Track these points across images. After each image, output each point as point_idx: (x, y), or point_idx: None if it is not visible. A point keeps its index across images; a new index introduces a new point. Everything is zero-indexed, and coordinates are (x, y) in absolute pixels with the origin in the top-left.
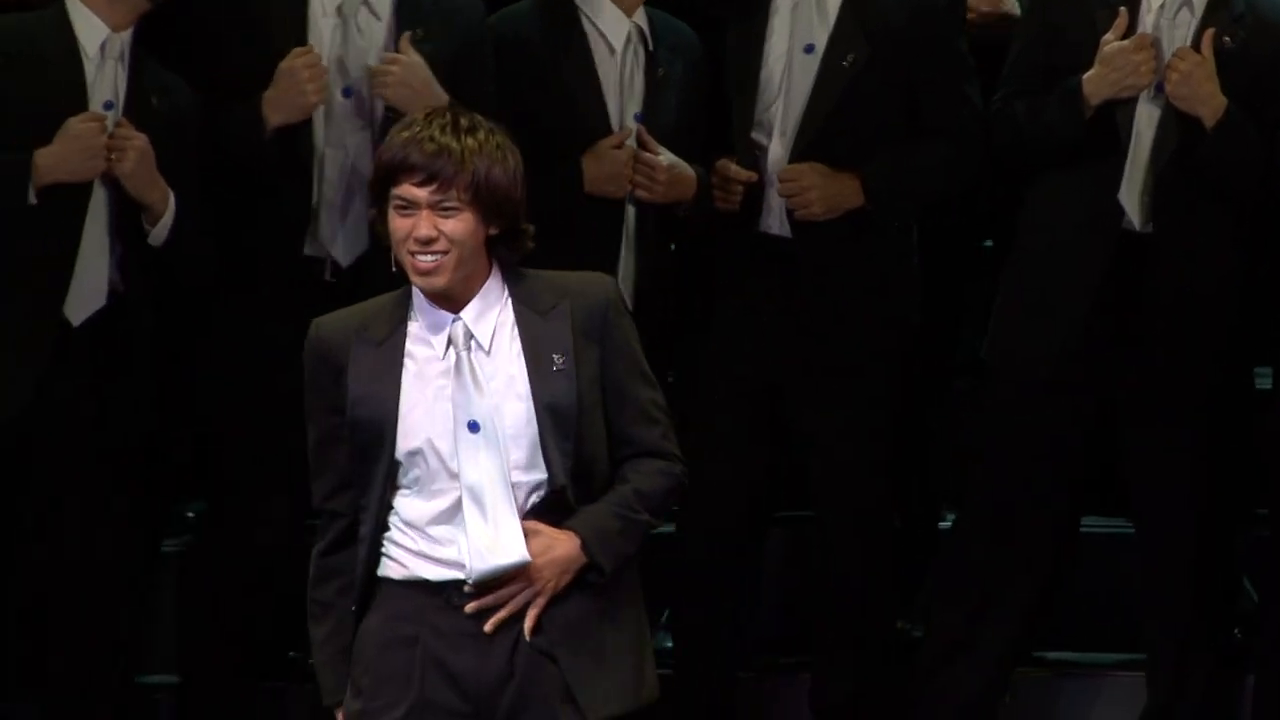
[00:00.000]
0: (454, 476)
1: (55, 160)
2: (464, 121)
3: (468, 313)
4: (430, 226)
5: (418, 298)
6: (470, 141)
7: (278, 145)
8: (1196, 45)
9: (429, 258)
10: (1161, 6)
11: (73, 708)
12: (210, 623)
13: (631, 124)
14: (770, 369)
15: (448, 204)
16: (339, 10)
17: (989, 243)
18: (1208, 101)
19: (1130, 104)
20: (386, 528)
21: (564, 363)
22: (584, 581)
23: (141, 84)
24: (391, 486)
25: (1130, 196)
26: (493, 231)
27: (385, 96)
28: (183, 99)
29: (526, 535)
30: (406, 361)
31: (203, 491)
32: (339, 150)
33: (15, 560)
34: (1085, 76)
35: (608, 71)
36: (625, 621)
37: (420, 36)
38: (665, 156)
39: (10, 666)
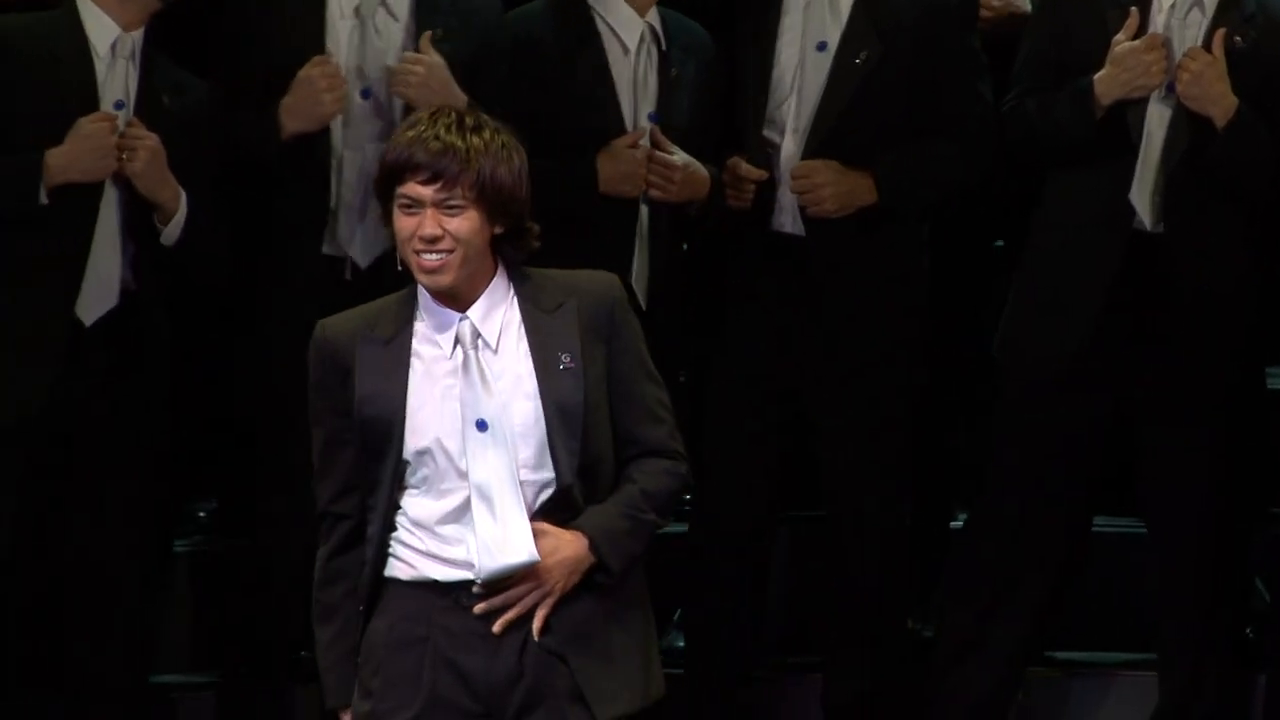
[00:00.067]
0: (462, 476)
1: (66, 160)
2: (469, 120)
3: (474, 311)
4: (435, 225)
5: (423, 297)
6: (475, 140)
7: (294, 148)
8: (1207, 45)
9: (434, 256)
10: (1172, 6)
11: (87, 707)
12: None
13: (646, 123)
14: (785, 367)
15: (453, 202)
16: (356, 11)
17: (1000, 242)
18: (1219, 101)
19: (1141, 104)
20: (394, 528)
21: (571, 361)
22: (592, 582)
23: (152, 83)
24: (399, 486)
25: (1141, 196)
26: (498, 230)
27: (406, 97)
28: (195, 98)
29: (535, 536)
30: (413, 361)
31: (215, 490)
32: (357, 152)
33: (30, 559)
34: (1096, 76)
35: (622, 71)
36: (632, 621)
37: (439, 36)
38: (679, 156)
39: (28, 664)
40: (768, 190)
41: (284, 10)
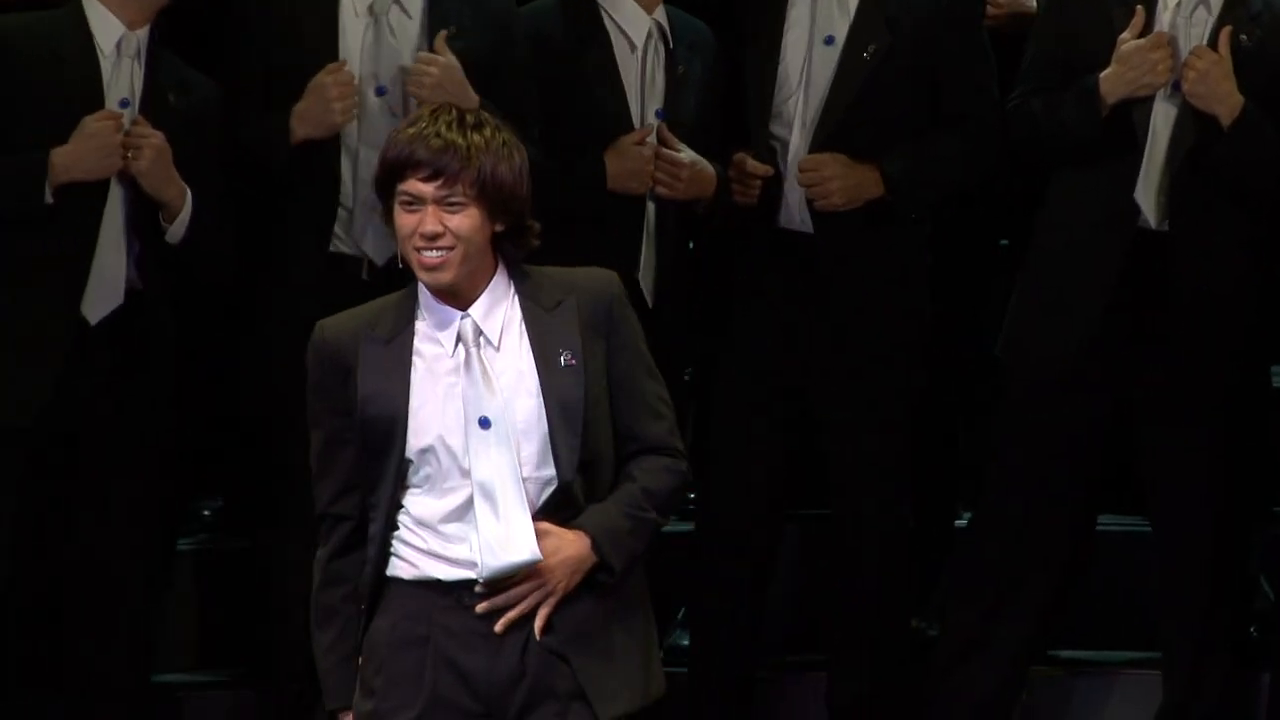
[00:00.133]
0: (465, 474)
1: (71, 159)
2: (470, 118)
3: (476, 309)
4: (436, 222)
5: (424, 296)
6: (476, 138)
7: (301, 147)
8: (1213, 43)
9: (435, 253)
10: (1178, 5)
11: (89, 707)
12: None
13: (653, 120)
14: (791, 364)
15: (453, 199)
16: (370, 9)
17: (1005, 241)
18: (1225, 100)
19: (1147, 102)
20: (396, 527)
21: (572, 359)
22: (593, 581)
23: (158, 81)
24: (401, 485)
25: (1146, 195)
26: (498, 228)
27: (420, 97)
28: (201, 96)
29: (538, 535)
30: (415, 359)
31: (219, 489)
32: (373, 149)
33: (31, 559)
34: (1102, 75)
35: (629, 68)
36: (633, 620)
37: (453, 34)
38: (686, 153)
39: (28, 664)
40: (774, 186)
41: (296, 10)
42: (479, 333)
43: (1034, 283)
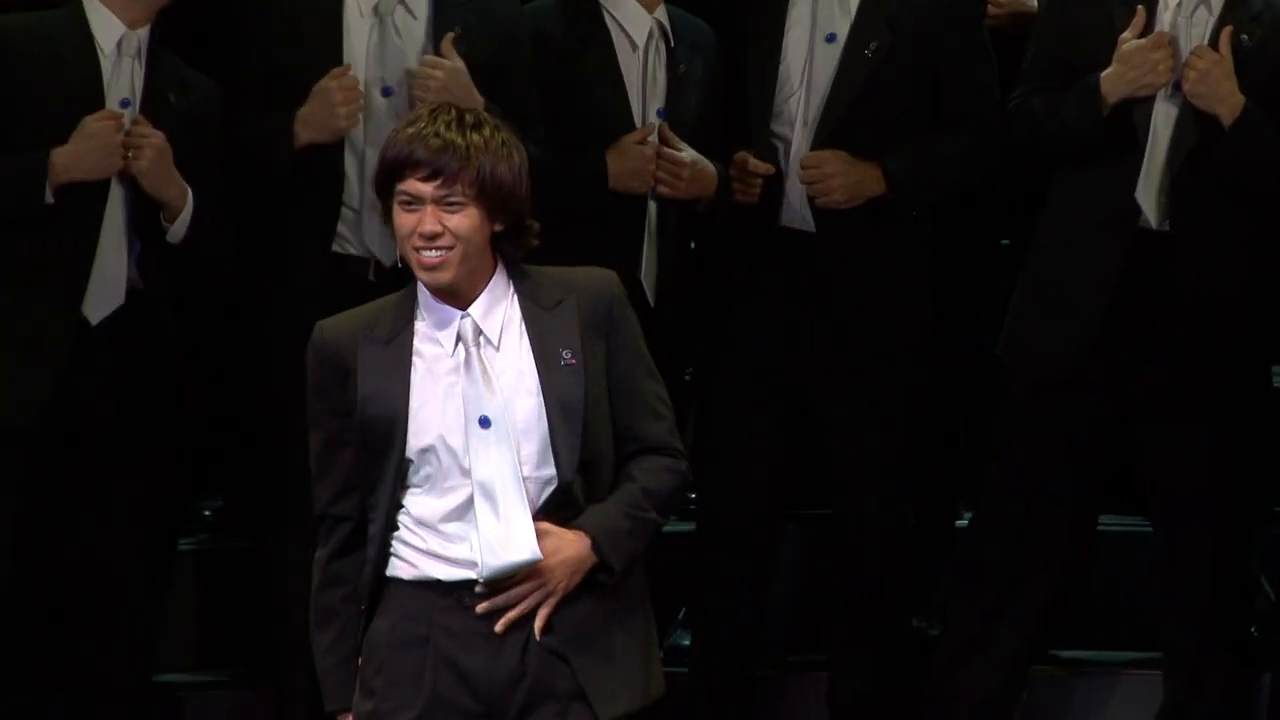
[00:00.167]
0: (465, 474)
1: (72, 159)
2: (469, 118)
3: (476, 309)
4: (435, 222)
5: (423, 296)
6: (475, 137)
7: (306, 151)
8: (1214, 43)
9: (434, 253)
10: (1179, 5)
11: (90, 707)
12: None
13: (654, 119)
14: (792, 362)
15: (452, 199)
16: (375, 10)
17: (1006, 241)
18: (1226, 100)
19: (1148, 102)
20: (396, 527)
21: (572, 358)
22: (593, 581)
23: (158, 81)
24: (401, 485)
25: (1147, 195)
26: (498, 228)
27: (426, 100)
28: (202, 96)
29: (538, 535)
30: (415, 359)
31: (220, 489)
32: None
33: (32, 559)
34: (1103, 75)
35: (630, 67)
36: (633, 620)
37: (458, 35)
38: (688, 153)
39: (28, 664)
40: (775, 185)
41: (299, 10)
42: (479, 332)
43: (1035, 282)
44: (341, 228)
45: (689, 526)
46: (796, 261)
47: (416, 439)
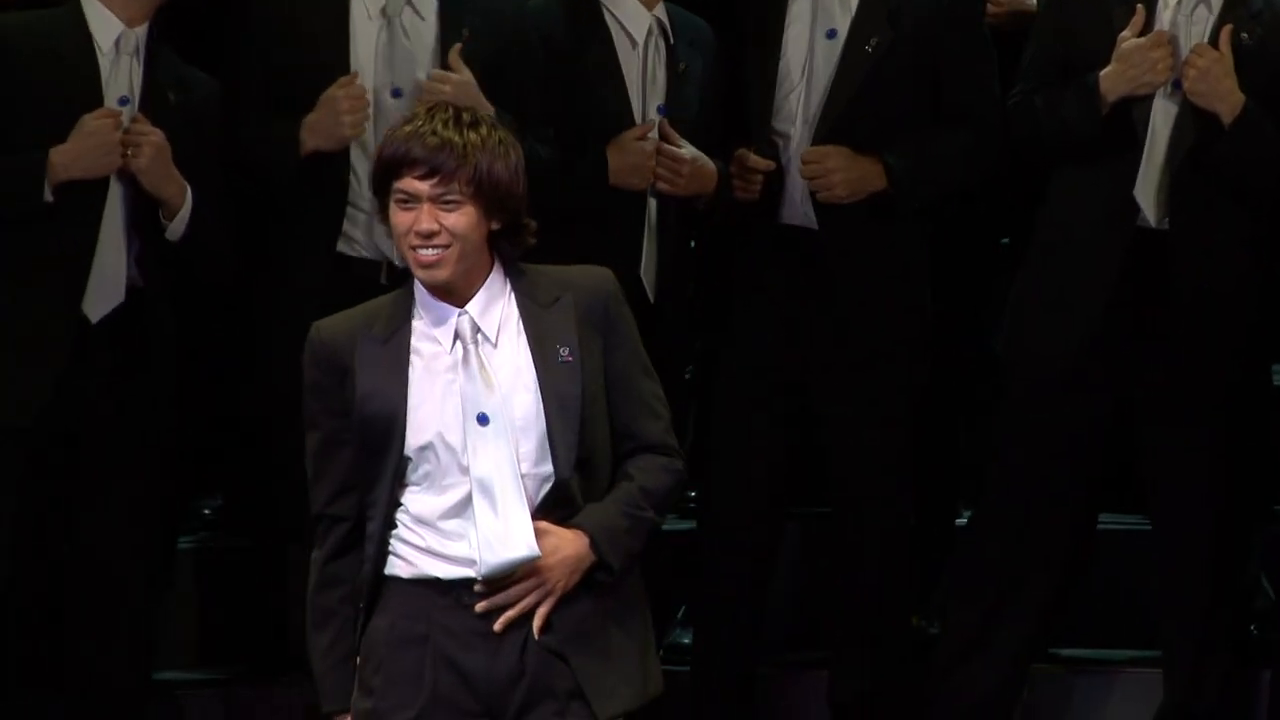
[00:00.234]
0: (464, 471)
1: (70, 157)
2: (466, 116)
3: (473, 306)
4: (432, 220)
5: (420, 294)
6: (473, 136)
7: (312, 156)
8: (1214, 41)
9: (431, 251)
10: (1179, 3)
11: (89, 706)
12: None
13: (655, 116)
14: (792, 359)
15: (449, 198)
16: (383, 12)
17: (1006, 239)
18: (1226, 98)
19: (1147, 101)
20: (394, 526)
21: (570, 355)
22: (591, 580)
23: (157, 79)
24: (400, 484)
25: (1146, 193)
26: (495, 226)
27: None
28: (201, 93)
29: (537, 534)
30: (413, 358)
31: (220, 487)
32: None
33: (31, 558)
34: (1102, 73)
35: (630, 64)
36: (631, 619)
37: (466, 37)
38: (687, 149)
39: (28, 664)
40: (775, 182)
41: (305, 14)
42: (476, 329)
43: (1034, 280)
44: (352, 230)
45: (689, 525)
46: (797, 258)
47: (415, 436)
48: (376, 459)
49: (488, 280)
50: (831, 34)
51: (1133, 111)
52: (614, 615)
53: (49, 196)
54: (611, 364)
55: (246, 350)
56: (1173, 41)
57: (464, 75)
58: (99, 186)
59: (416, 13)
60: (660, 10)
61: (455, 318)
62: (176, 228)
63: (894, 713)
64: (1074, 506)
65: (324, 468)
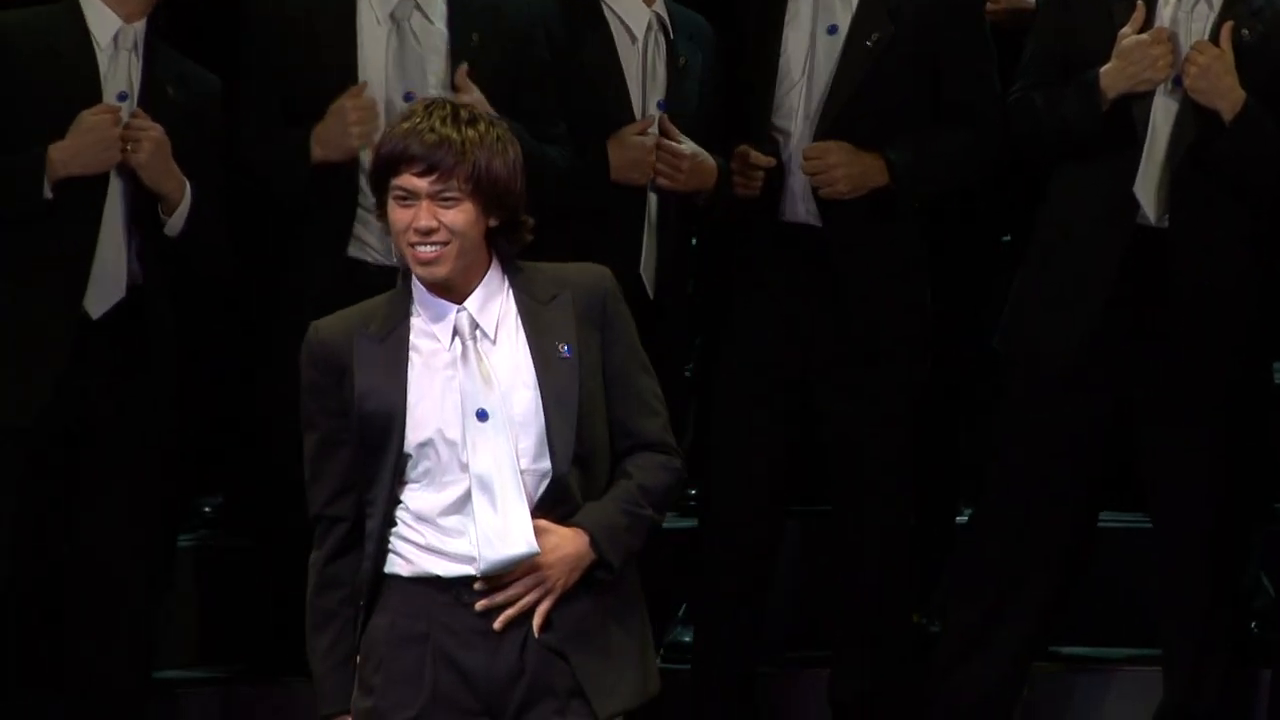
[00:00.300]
0: (464, 468)
1: (69, 154)
2: (464, 113)
3: (471, 303)
4: (430, 217)
5: (418, 292)
6: (471, 133)
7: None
8: (1214, 38)
9: (429, 248)
10: (1179, 0)
11: (91, 706)
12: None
13: (655, 112)
14: (792, 356)
15: (448, 194)
16: (392, 16)
17: (1007, 237)
18: (1226, 95)
19: (1147, 98)
20: (394, 524)
21: (568, 352)
22: (590, 578)
23: (156, 74)
24: (399, 481)
25: (1146, 190)
26: (493, 223)
27: None
28: (199, 89)
29: (536, 532)
30: (412, 355)
31: (220, 486)
32: None
33: (31, 558)
34: (1102, 70)
35: (630, 60)
36: (630, 618)
37: (476, 43)
38: (687, 145)
39: (28, 664)
40: (776, 178)
41: (313, 19)
42: (475, 326)
43: (1034, 278)
44: (367, 235)
45: (689, 523)
46: (798, 255)
47: (415, 433)
48: (376, 457)
49: (485, 277)
50: (832, 30)
51: (1133, 108)
52: (614, 613)
53: (49, 193)
54: (609, 361)
55: (251, 352)
56: (1173, 38)
57: (473, 95)
58: (99, 183)
59: (426, 17)
60: (659, 5)
61: (454, 314)
62: (176, 223)
63: (894, 711)
64: (1074, 505)
65: (322, 468)
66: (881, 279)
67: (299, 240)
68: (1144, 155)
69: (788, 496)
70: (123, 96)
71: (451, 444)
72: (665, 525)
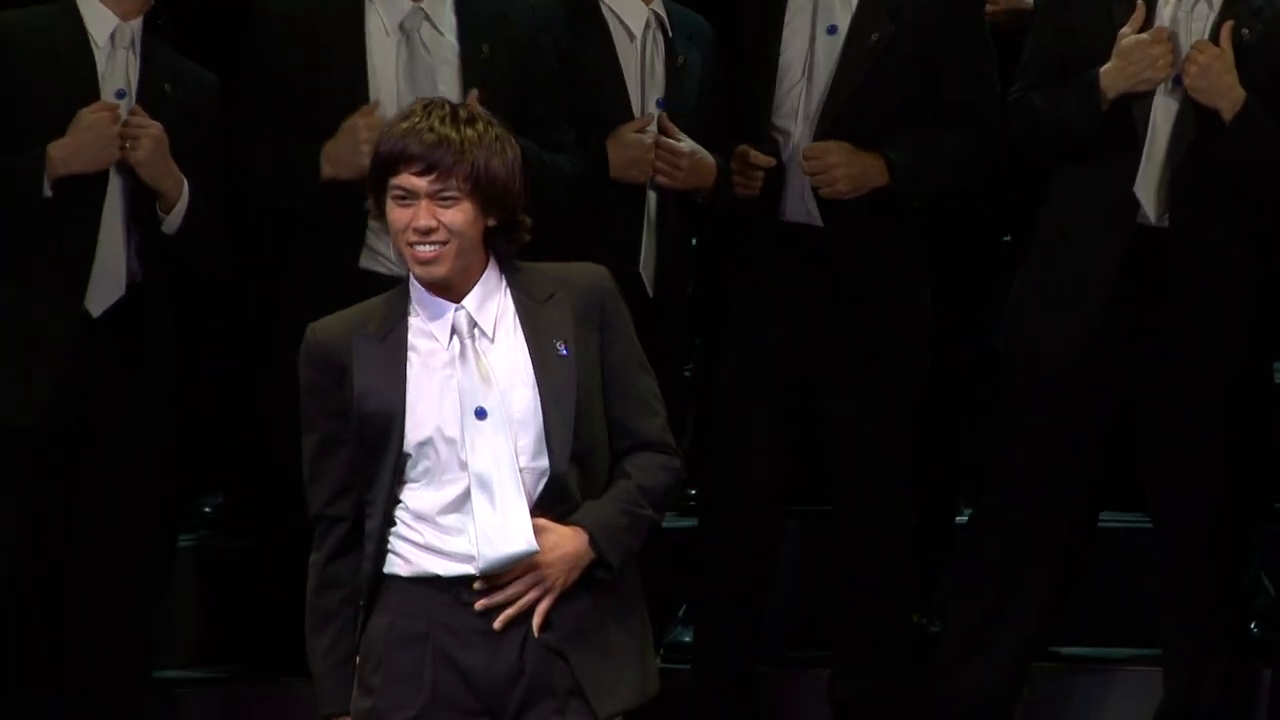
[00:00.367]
0: (464, 466)
1: (69, 152)
2: (463, 113)
3: (469, 301)
4: (430, 216)
5: (416, 291)
6: (469, 132)
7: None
8: (1214, 38)
9: (428, 248)
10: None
11: (91, 705)
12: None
13: (653, 110)
14: (792, 356)
15: (447, 194)
16: (401, 27)
17: (1008, 238)
18: (1227, 94)
19: (1147, 97)
20: (393, 523)
21: (566, 350)
22: (590, 578)
23: (153, 72)
24: (399, 481)
25: (1146, 190)
26: (491, 223)
27: None
28: (196, 86)
29: (536, 531)
30: (410, 355)
31: (220, 485)
32: None
33: (31, 558)
34: (1102, 69)
35: (628, 58)
36: (630, 617)
37: (486, 54)
38: (686, 143)
39: (28, 664)
40: (776, 178)
41: (321, 31)
42: (473, 324)
43: (1034, 278)
44: (380, 245)
45: (689, 522)
46: (798, 255)
47: (414, 432)
48: (376, 456)
49: (483, 276)
50: (832, 30)
51: (1133, 108)
52: (613, 613)
53: (49, 192)
54: (608, 360)
55: (251, 352)
56: (1173, 38)
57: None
58: (98, 181)
59: (435, 28)
60: (657, 4)
61: (452, 313)
62: (173, 220)
63: (894, 711)
64: (1074, 505)
65: (321, 469)
66: (882, 279)
67: (308, 252)
68: (1144, 155)
69: (788, 496)
70: (120, 94)
71: (451, 442)
72: (665, 525)
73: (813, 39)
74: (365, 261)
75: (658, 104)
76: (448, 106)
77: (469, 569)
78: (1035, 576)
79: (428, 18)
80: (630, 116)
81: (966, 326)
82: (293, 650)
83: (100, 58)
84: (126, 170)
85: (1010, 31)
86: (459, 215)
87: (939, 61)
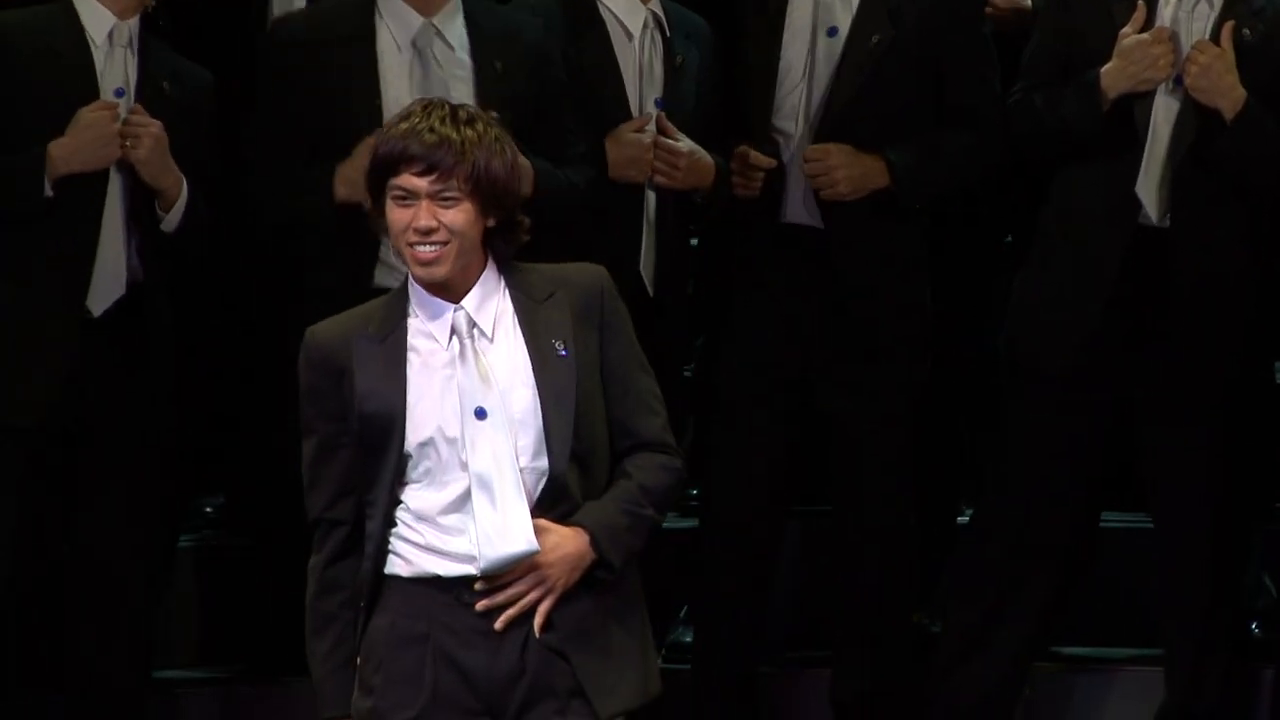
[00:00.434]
0: (464, 466)
1: (69, 151)
2: (462, 113)
3: (469, 301)
4: (430, 217)
5: (415, 293)
6: (469, 133)
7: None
8: (1215, 38)
9: (429, 248)
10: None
11: (91, 705)
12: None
13: (652, 109)
14: (792, 356)
15: (447, 194)
16: (413, 44)
17: (1009, 238)
18: (1227, 94)
19: (1148, 97)
20: (394, 524)
21: (565, 350)
22: (591, 578)
23: (151, 71)
24: (400, 481)
25: (1147, 190)
26: (490, 223)
27: None
28: (194, 85)
29: (537, 532)
30: (410, 355)
31: (220, 486)
32: None
33: (31, 558)
34: (1103, 69)
35: (627, 58)
36: (631, 618)
37: (499, 71)
38: (685, 143)
39: (28, 664)
40: (776, 180)
41: (333, 49)
42: (473, 325)
43: (1035, 279)
44: (397, 261)
45: (690, 523)
46: (798, 256)
47: (415, 433)
48: (377, 457)
49: (482, 277)
50: (833, 32)
51: (1134, 108)
52: (614, 613)
53: (49, 191)
54: (607, 360)
55: (251, 352)
56: (1174, 38)
57: None
58: (99, 180)
59: (447, 43)
60: (655, 4)
61: (451, 313)
62: (173, 219)
63: (895, 712)
64: (1075, 506)
65: (320, 473)
66: (882, 279)
67: (323, 281)
68: (1145, 155)
69: (788, 496)
70: (119, 93)
71: (451, 442)
72: (665, 525)
73: (813, 40)
74: (380, 278)
75: (656, 104)
76: (447, 107)
77: (470, 569)
78: (1035, 577)
79: (439, 34)
80: (628, 116)
81: (967, 327)
82: (293, 650)
83: (99, 56)
84: (127, 169)
85: (1011, 33)
86: (459, 215)
87: (940, 64)
